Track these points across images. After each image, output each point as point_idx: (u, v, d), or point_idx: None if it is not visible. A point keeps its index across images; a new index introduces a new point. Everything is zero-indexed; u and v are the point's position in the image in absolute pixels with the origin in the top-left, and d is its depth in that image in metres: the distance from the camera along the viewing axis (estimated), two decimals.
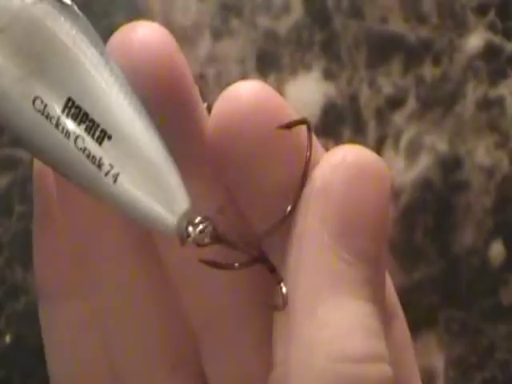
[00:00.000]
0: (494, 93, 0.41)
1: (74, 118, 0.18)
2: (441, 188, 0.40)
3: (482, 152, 0.41)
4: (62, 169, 0.18)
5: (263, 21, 0.40)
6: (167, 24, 0.40)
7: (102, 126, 0.17)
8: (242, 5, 0.40)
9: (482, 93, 0.41)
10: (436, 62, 0.41)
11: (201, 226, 0.18)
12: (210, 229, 0.18)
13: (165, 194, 0.17)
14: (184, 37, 0.40)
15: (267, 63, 0.41)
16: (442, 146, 0.41)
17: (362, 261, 0.19)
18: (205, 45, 0.40)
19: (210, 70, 0.40)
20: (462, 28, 0.41)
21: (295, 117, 0.21)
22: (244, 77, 0.40)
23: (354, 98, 0.41)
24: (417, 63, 0.41)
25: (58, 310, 0.24)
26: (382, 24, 0.41)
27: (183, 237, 0.18)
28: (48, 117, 0.18)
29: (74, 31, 0.19)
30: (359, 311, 0.19)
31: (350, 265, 0.19)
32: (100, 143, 0.17)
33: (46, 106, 0.18)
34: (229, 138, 0.19)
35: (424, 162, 0.41)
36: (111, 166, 0.17)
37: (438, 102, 0.41)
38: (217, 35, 0.40)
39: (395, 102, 0.41)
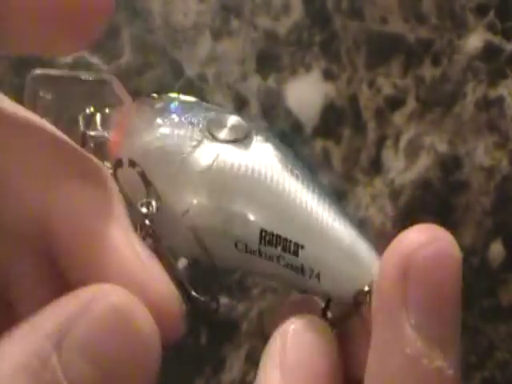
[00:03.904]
0: (493, 93, 0.41)
1: (271, 243, 0.21)
2: (440, 188, 0.41)
3: (481, 152, 0.41)
4: (271, 280, 0.22)
5: (263, 21, 0.40)
6: (167, 25, 0.40)
7: (294, 240, 0.20)
8: (242, 5, 0.40)
9: (481, 93, 0.41)
10: (435, 62, 0.41)
11: None
12: None
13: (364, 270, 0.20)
14: (184, 37, 0.40)
15: (267, 63, 0.41)
16: (442, 146, 0.41)
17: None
18: (205, 45, 0.40)
19: (210, 70, 0.40)
20: (461, 28, 0.41)
21: None
22: (244, 77, 0.40)
23: (353, 99, 0.41)
24: (416, 64, 0.41)
25: None
26: (381, 24, 0.41)
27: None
28: (250, 252, 0.21)
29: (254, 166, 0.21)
30: None
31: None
32: (297, 254, 0.20)
33: (246, 245, 0.21)
34: None
35: (424, 162, 0.41)
36: (311, 270, 0.20)
37: (438, 103, 0.41)
38: (217, 36, 0.40)
39: (395, 103, 0.41)
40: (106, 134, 0.22)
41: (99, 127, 0.22)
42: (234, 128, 0.22)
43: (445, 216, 0.40)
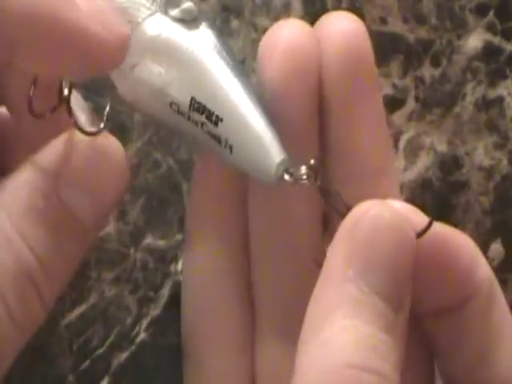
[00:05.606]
0: (493, 93, 0.41)
1: (198, 111, 0.25)
2: (440, 188, 0.41)
3: (481, 152, 0.41)
4: (196, 143, 0.27)
5: (263, 21, 0.40)
6: None
7: (216, 113, 0.24)
8: (242, 6, 0.40)
9: (481, 93, 0.41)
10: (435, 62, 0.41)
11: (294, 171, 0.24)
12: (302, 171, 0.24)
13: (264, 152, 0.24)
14: None
15: None
16: (442, 146, 0.41)
17: (378, 295, 0.21)
18: None
19: None
20: (461, 29, 0.41)
21: None
22: None
23: None
24: (416, 64, 0.41)
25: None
26: (381, 25, 0.41)
27: (280, 179, 0.24)
28: (181, 113, 0.25)
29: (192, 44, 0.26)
30: (367, 332, 0.21)
31: (367, 295, 0.21)
32: (216, 125, 0.24)
33: (178, 107, 0.25)
34: None
35: (423, 162, 0.41)
36: (226, 140, 0.24)
37: (438, 103, 0.41)
38: None
39: (395, 103, 0.41)
40: None
41: None
42: (185, 10, 0.26)
43: (444, 216, 0.40)
